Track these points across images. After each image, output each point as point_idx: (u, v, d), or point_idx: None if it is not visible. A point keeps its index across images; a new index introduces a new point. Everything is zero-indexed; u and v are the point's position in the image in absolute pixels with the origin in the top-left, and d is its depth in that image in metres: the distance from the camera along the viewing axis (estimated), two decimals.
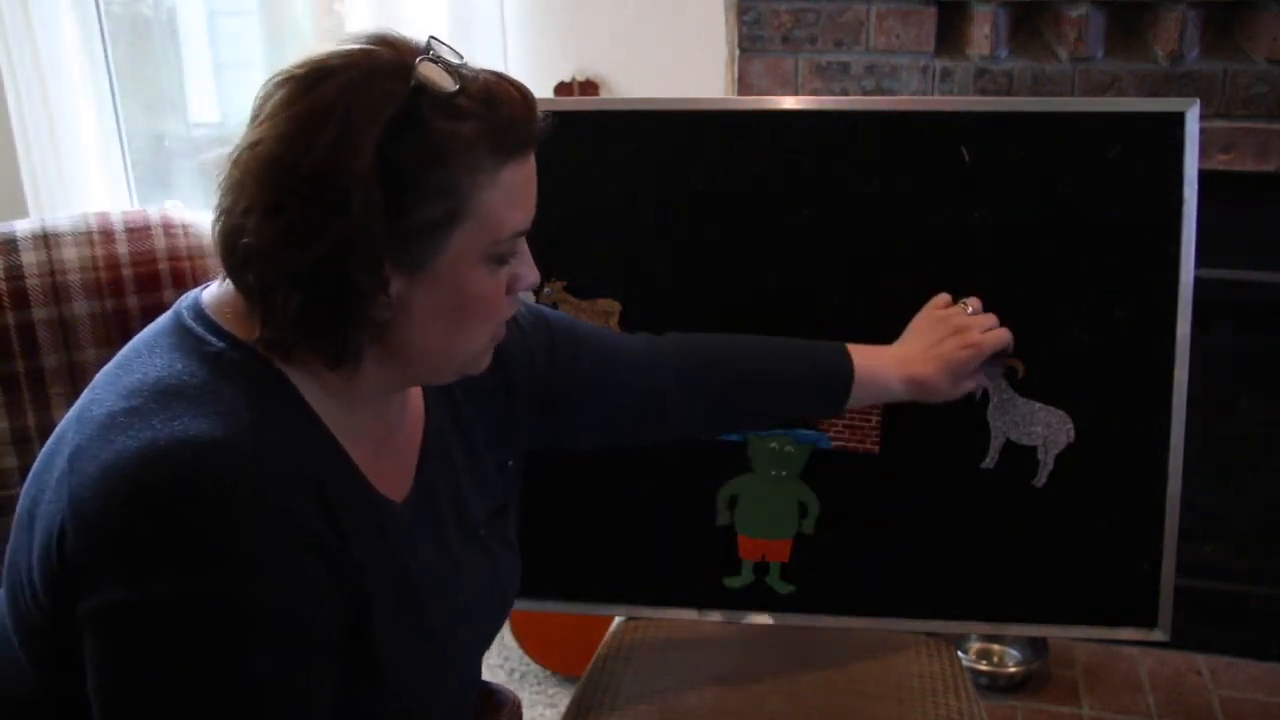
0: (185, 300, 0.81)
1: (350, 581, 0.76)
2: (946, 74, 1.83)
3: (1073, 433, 1.21)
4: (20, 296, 1.06)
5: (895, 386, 1.14)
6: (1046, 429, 1.21)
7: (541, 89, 2.07)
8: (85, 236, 1.10)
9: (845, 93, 1.85)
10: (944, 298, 1.19)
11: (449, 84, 0.73)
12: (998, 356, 1.17)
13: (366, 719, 0.81)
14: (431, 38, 0.76)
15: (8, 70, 2.04)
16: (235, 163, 0.73)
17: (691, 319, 1.26)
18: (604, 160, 1.24)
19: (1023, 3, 1.76)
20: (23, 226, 1.08)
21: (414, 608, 0.83)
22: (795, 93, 1.87)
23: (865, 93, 1.84)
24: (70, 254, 1.08)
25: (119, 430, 0.71)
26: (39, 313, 1.06)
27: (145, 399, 0.72)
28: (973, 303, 1.17)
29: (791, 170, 1.22)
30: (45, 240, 1.08)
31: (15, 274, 1.06)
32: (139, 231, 1.12)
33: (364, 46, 0.74)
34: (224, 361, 0.75)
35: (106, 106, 2.22)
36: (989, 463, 1.23)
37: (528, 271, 0.84)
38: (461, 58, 0.77)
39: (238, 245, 0.73)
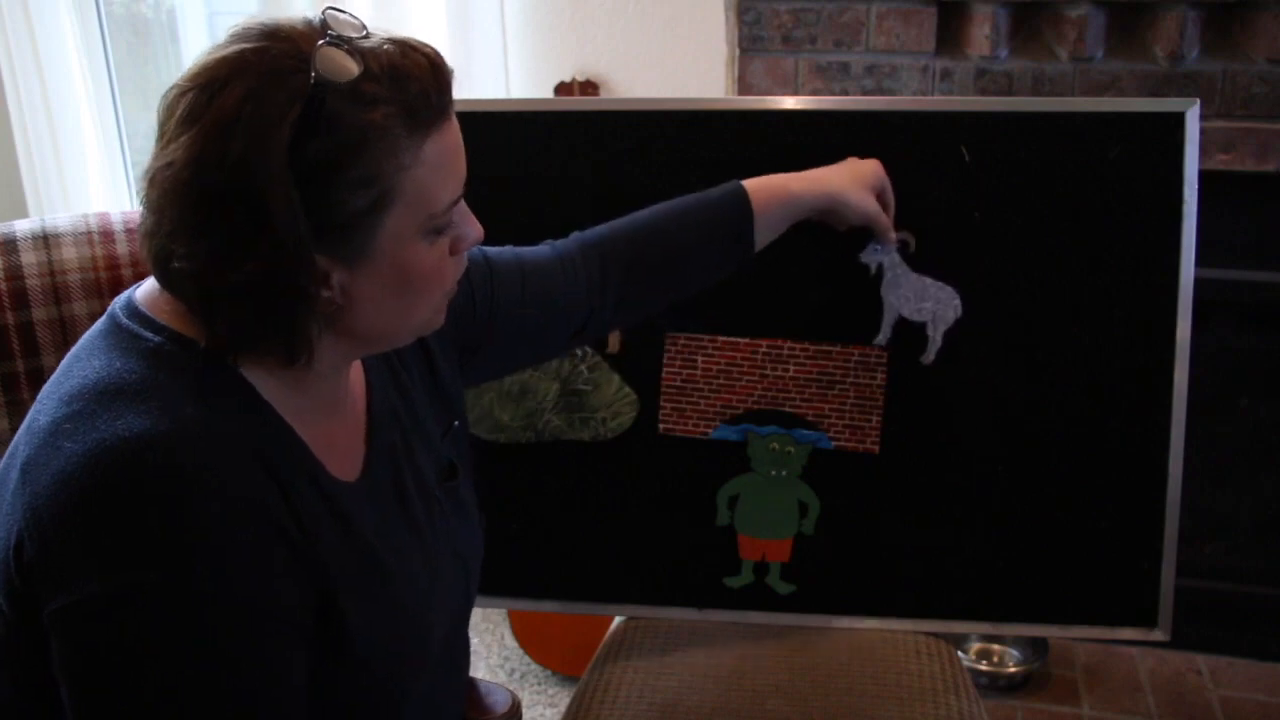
0: (119, 301, 0.80)
1: (312, 562, 0.76)
2: (946, 74, 1.83)
3: (960, 308, 1.22)
4: (20, 296, 1.06)
5: (797, 189, 1.15)
6: (936, 304, 1.22)
7: (541, 89, 2.07)
8: (85, 237, 1.09)
9: (845, 93, 1.85)
10: None
11: (351, 68, 0.70)
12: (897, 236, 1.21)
13: (345, 699, 0.81)
14: (327, 10, 0.73)
15: (8, 70, 2.03)
16: (151, 182, 0.72)
17: (691, 318, 1.26)
18: (604, 160, 1.24)
19: (1023, 3, 1.76)
20: (23, 226, 1.08)
21: (379, 582, 0.83)
22: (795, 93, 1.87)
23: (865, 93, 1.84)
24: (70, 254, 1.08)
25: (65, 436, 0.70)
26: (39, 313, 1.06)
27: (87, 402, 0.72)
28: None
29: (791, 170, 1.22)
30: (45, 240, 1.08)
31: (15, 274, 1.06)
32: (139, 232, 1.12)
33: (256, 45, 0.71)
34: (162, 355, 0.75)
35: (106, 106, 2.22)
36: (881, 339, 1.24)
37: (469, 230, 0.83)
38: (364, 27, 0.74)
39: (170, 269, 0.73)
